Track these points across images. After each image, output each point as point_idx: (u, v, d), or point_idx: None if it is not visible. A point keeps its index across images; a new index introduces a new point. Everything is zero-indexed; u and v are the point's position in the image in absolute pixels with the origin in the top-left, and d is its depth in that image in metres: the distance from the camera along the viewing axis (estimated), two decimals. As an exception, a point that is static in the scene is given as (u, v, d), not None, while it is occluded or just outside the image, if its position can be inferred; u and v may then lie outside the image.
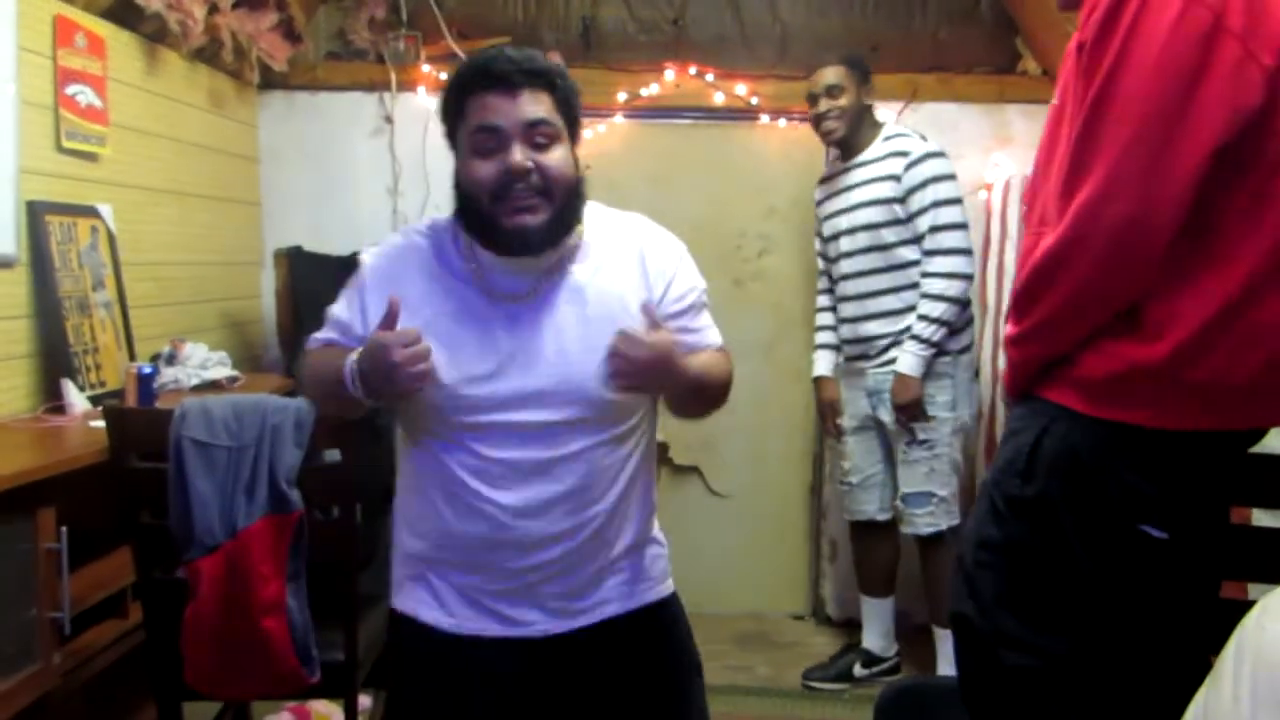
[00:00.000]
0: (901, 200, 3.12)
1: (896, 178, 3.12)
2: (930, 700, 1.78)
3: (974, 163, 3.81)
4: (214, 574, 1.95)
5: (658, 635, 1.74)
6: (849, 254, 3.22)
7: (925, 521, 3.15)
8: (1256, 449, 2.07)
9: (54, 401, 2.44)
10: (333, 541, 2.12)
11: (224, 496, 1.99)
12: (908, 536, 3.24)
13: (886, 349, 3.17)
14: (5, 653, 1.86)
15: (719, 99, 3.85)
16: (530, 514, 1.60)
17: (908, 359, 3.08)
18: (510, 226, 1.55)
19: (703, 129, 3.96)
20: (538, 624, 1.65)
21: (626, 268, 1.65)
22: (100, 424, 2.14)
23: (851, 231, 3.21)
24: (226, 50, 3.18)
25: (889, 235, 3.15)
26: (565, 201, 1.57)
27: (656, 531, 1.80)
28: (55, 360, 2.48)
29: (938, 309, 3.06)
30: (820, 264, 3.46)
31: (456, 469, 1.61)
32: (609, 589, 1.69)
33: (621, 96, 3.81)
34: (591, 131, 3.76)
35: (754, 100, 3.84)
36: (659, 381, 1.58)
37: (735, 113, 3.89)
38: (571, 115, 1.60)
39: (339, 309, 1.68)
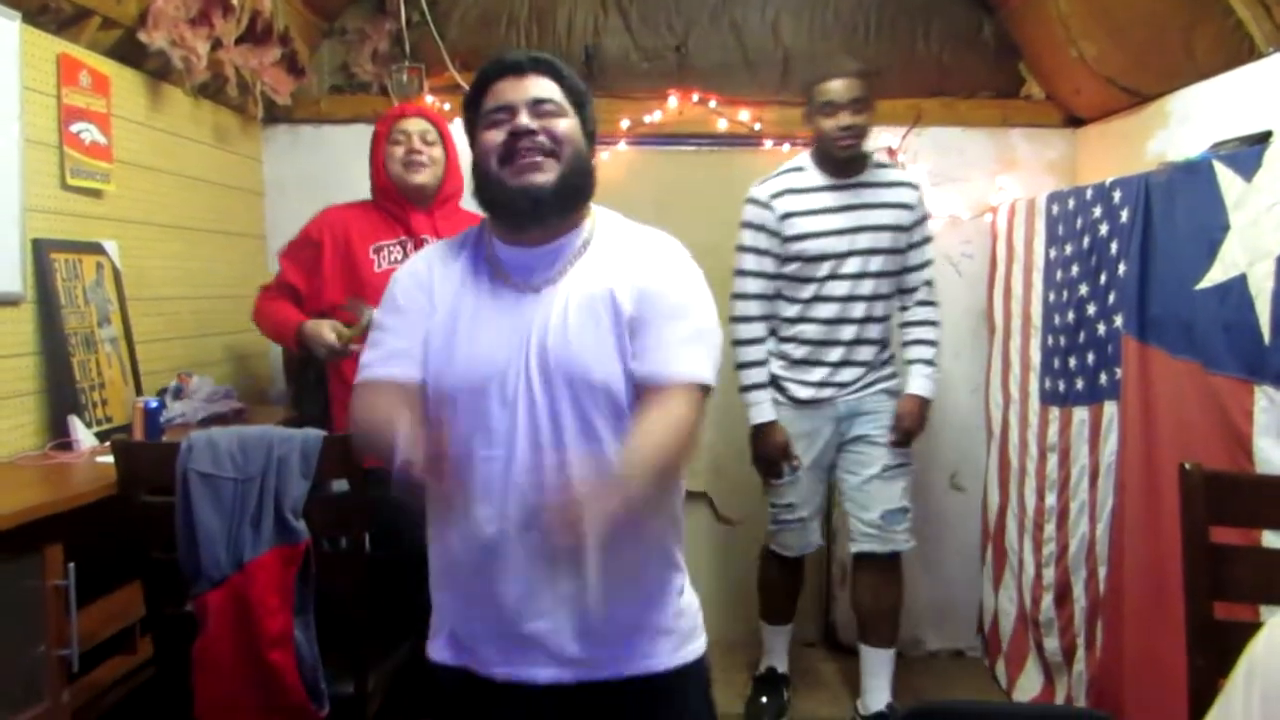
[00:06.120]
0: (908, 229, 3.12)
1: (910, 207, 3.13)
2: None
3: (979, 186, 3.84)
4: (220, 608, 1.95)
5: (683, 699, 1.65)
6: (857, 276, 3.06)
7: (904, 537, 3.13)
8: (1265, 471, 2.05)
9: (61, 438, 2.43)
10: (342, 572, 2.11)
11: (230, 529, 1.99)
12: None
13: (868, 374, 3.12)
14: (12, 692, 1.85)
15: (722, 125, 3.87)
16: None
17: (927, 383, 3.16)
18: (517, 185, 1.56)
19: (706, 155, 3.97)
20: (542, 670, 1.55)
21: (622, 264, 1.61)
22: (108, 459, 2.14)
23: (866, 254, 3.07)
24: (230, 85, 3.19)
25: (898, 263, 3.13)
26: (573, 165, 1.59)
27: (679, 578, 1.67)
28: (62, 397, 2.48)
29: (937, 334, 3.21)
30: (760, 285, 3.13)
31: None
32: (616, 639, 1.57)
33: (625, 124, 3.82)
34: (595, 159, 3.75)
35: (757, 126, 3.85)
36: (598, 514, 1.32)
37: (738, 139, 3.89)
38: (579, 101, 1.64)
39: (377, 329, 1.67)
